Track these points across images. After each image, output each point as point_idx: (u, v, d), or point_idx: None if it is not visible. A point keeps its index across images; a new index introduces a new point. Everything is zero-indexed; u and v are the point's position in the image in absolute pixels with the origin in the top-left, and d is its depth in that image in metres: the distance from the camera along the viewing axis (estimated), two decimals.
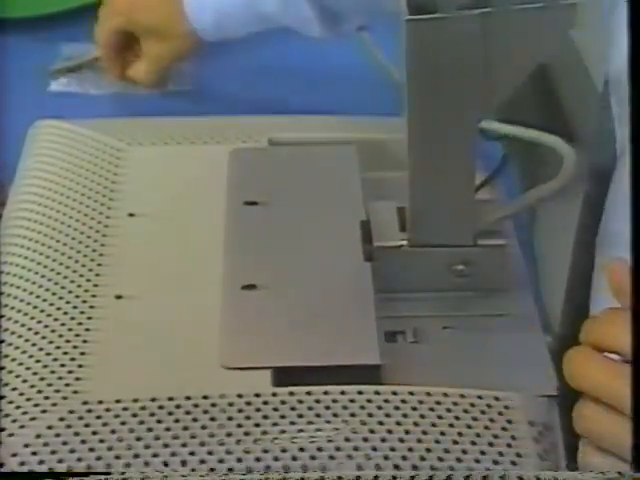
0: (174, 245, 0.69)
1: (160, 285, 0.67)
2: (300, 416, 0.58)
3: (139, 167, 0.76)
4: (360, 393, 0.60)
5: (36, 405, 0.59)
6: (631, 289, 0.50)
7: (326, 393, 0.60)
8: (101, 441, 0.57)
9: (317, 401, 0.59)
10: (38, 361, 0.61)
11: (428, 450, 0.57)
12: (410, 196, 0.64)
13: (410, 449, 0.57)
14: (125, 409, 0.58)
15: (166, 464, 0.56)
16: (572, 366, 0.52)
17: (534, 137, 0.68)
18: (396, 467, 0.56)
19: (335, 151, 0.75)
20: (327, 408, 0.59)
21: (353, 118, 0.80)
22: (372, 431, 0.58)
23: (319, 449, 0.57)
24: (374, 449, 0.57)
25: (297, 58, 0.89)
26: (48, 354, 0.62)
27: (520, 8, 0.56)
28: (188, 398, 0.59)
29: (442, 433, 0.58)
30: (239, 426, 0.58)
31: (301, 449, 0.57)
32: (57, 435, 0.57)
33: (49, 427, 0.57)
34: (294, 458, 0.56)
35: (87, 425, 0.58)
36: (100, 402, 0.59)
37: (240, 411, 0.59)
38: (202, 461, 0.56)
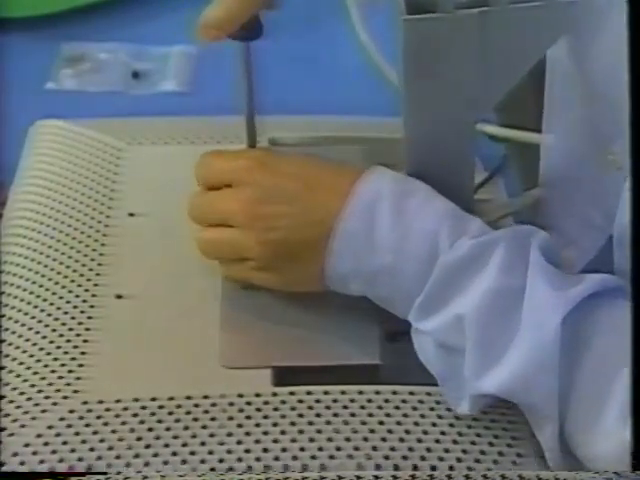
0: (174, 245, 0.69)
1: (160, 285, 0.67)
2: (300, 416, 0.58)
3: (139, 167, 0.76)
4: (360, 393, 0.60)
5: (36, 405, 0.59)
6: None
7: (326, 393, 0.60)
8: (101, 441, 0.57)
9: (317, 401, 0.59)
10: (38, 361, 0.61)
11: (428, 450, 0.57)
12: None
13: (410, 449, 0.57)
14: (125, 409, 0.59)
15: (166, 464, 0.56)
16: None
17: (534, 140, 0.68)
18: (396, 467, 0.56)
19: (335, 151, 0.75)
20: (327, 408, 0.59)
21: (353, 118, 0.80)
22: (372, 431, 0.58)
23: (319, 449, 0.57)
24: (374, 449, 0.57)
25: (297, 59, 0.89)
26: (48, 354, 0.62)
27: (518, 7, 0.56)
28: (188, 398, 0.59)
29: (443, 433, 0.58)
30: (239, 426, 0.58)
31: (301, 449, 0.57)
32: (57, 435, 0.57)
33: (49, 427, 0.58)
34: (294, 458, 0.56)
35: (87, 425, 0.58)
36: (100, 402, 0.59)
37: (240, 411, 0.59)
38: (202, 461, 0.56)
